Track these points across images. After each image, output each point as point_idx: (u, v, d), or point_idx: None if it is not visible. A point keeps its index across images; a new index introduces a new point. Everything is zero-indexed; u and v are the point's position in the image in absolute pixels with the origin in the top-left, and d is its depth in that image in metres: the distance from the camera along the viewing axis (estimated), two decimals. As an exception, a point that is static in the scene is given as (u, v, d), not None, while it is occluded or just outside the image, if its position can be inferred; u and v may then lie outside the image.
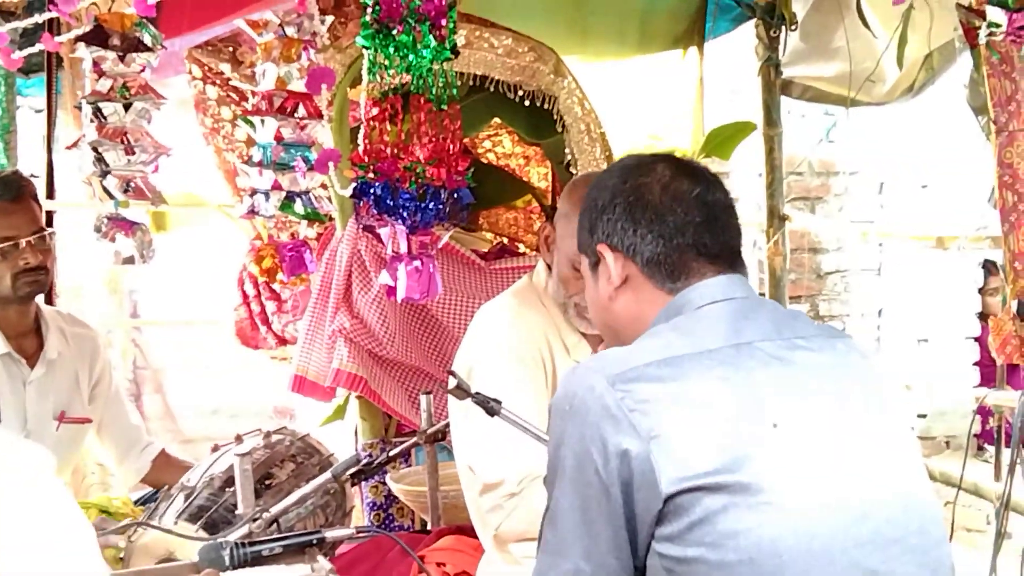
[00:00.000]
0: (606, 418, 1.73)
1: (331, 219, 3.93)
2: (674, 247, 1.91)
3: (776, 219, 4.92)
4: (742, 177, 6.01)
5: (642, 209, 1.94)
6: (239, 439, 3.14)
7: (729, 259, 1.95)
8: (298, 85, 3.20)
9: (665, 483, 1.69)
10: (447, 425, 3.11)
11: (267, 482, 2.99)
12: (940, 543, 1.85)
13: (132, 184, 3.19)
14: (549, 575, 1.81)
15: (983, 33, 2.73)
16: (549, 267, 2.97)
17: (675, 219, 1.92)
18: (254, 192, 3.29)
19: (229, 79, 4.36)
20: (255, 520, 2.58)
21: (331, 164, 3.18)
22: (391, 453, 3.24)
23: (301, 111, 3.24)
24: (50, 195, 4.36)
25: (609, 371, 1.78)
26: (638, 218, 1.93)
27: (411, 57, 2.97)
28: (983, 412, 4.87)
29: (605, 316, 2.03)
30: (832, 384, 1.86)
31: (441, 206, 3.01)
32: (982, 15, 2.72)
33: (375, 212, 3.02)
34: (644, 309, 1.94)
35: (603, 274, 1.99)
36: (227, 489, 2.85)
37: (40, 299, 3.52)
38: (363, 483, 3.93)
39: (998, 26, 2.70)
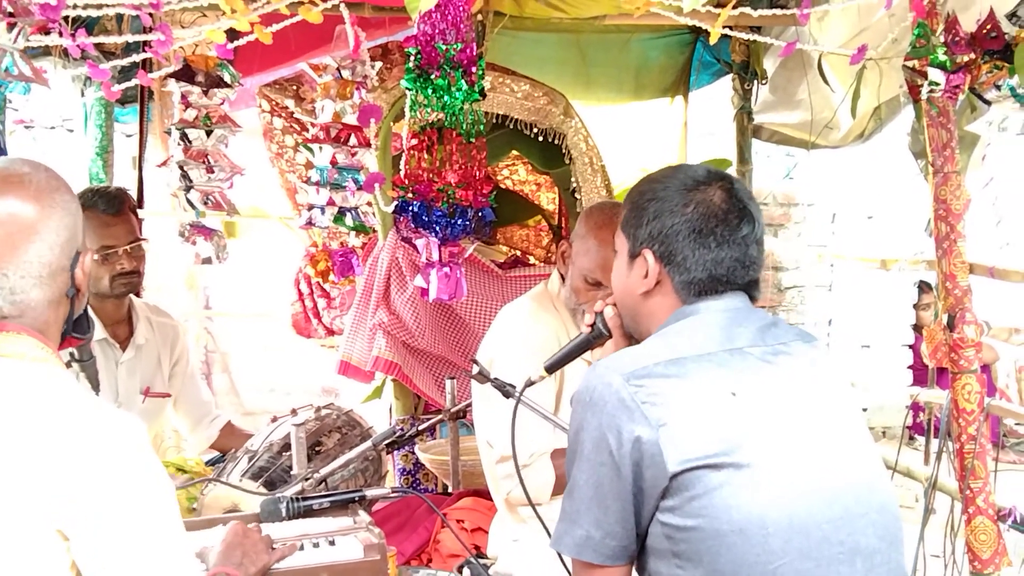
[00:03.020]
0: (622, 409, 1.73)
1: (375, 231, 3.94)
2: (710, 276, 1.87)
3: (745, 241, 4.91)
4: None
5: (695, 238, 1.86)
6: (294, 412, 3.15)
7: (746, 286, 1.92)
8: (351, 119, 3.22)
9: (671, 464, 1.70)
10: (468, 406, 3.12)
11: (317, 448, 3.00)
12: (896, 519, 1.85)
13: (211, 197, 3.21)
14: (564, 539, 1.82)
15: (925, 90, 2.74)
16: (562, 277, 2.99)
17: (720, 254, 1.86)
18: (311, 207, 3.30)
19: (293, 112, 4.37)
20: (307, 479, 2.59)
21: (377, 185, 3.20)
22: (420, 427, 3.23)
23: (353, 140, 3.25)
24: (139, 205, 4.37)
25: (624, 369, 1.77)
26: (688, 244, 1.87)
27: (446, 98, 3.00)
28: (915, 408, 4.87)
29: (628, 301, 1.98)
30: (808, 384, 1.86)
31: (468, 222, 3.03)
32: (924, 75, 2.72)
33: (412, 226, 3.04)
34: (662, 312, 1.91)
35: (638, 270, 1.93)
36: (284, 453, 2.86)
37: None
38: (395, 452, 3.94)
39: (937, 85, 2.71)
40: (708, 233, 1.86)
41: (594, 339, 2.13)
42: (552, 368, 2.24)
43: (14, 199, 1.65)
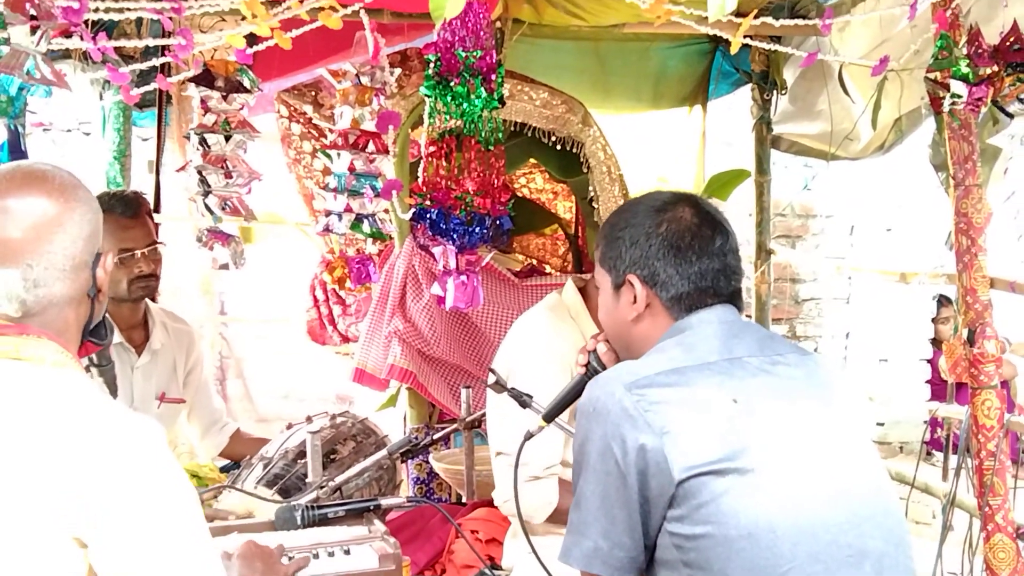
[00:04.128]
0: (625, 418, 1.76)
1: (391, 238, 3.94)
2: (696, 288, 1.93)
3: (763, 253, 4.91)
4: (736, 216, 5.99)
5: (674, 254, 1.93)
6: (309, 419, 3.16)
7: (731, 296, 1.97)
8: (369, 125, 3.22)
9: (677, 471, 1.72)
10: (483, 415, 3.12)
11: (332, 456, 3.01)
12: (901, 522, 1.88)
13: (229, 202, 3.23)
14: (573, 551, 1.83)
15: (947, 102, 2.73)
16: (580, 290, 2.98)
17: (701, 266, 1.93)
18: (328, 213, 3.31)
19: (311, 118, 4.38)
20: (322, 487, 2.61)
21: (394, 192, 3.20)
22: (434, 436, 3.25)
23: (371, 147, 3.25)
24: (156, 210, 4.40)
25: (626, 379, 1.81)
26: (670, 261, 1.93)
27: (465, 105, 3.00)
28: (933, 423, 4.85)
29: (620, 330, 2.03)
30: (808, 392, 1.90)
31: (485, 230, 3.03)
32: (946, 87, 2.72)
33: (430, 233, 3.04)
34: (655, 333, 1.95)
35: (625, 297, 1.98)
36: (299, 461, 2.87)
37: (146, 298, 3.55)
38: (409, 461, 3.94)
39: (960, 97, 2.71)
40: (686, 248, 1.93)
41: (590, 378, 2.15)
42: (550, 416, 2.26)
43: (39, 192, 1.69)
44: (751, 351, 1.89)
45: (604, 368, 2.13)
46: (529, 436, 2.26)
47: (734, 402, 1.79)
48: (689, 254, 1.93)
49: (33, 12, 2.06)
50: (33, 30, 2.09)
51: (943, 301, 6.67)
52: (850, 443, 1.87)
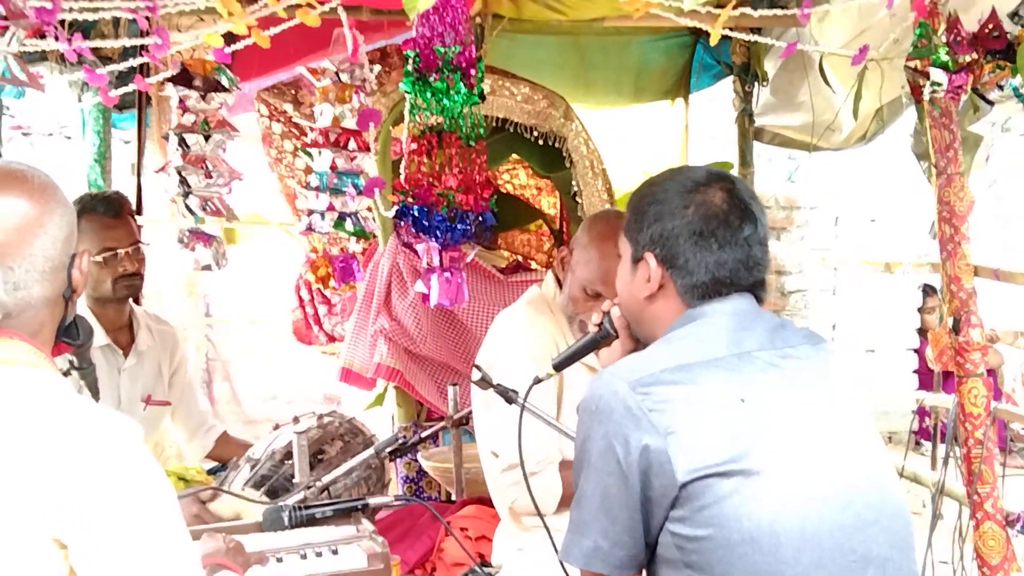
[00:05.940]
0: (628, 417, 1.72)
1: (375, 236, 3.92)
2: (713, 278, 1.84)
3: (748, 245, 4.90)
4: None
5: (696, 240, 1.84)
6: (296, 420, 3.14)
7: (752, 287, 1.89)
8: (350, 123, 3.21)
9: (681, 473, 1.68)
10: (470, 412, 3.11)
11: (320, 456, 2.99)
12: (907, 524, 1.83)
13: (210, 203, 3.21)
14: (572, 550, 1.81)
15: (927, 91, 2.73)
16: (559, 281, 2.97)
17: (722, 255, 1.84)
18: (311, 212, 3.29)
19: (291, 117, 4.36)
20: (310, 488, 2.59)
21: (376, 190, 3.19)
22: (422, 435, 3.23)
23: (352, 145, 3.24)
24: (138, 211, 4.37)
25: (630, 377, 1.76)
26: (690, 246, 1.84)
27: (445, 101, 2.99)
28: (921, 412, 4.86)
29: (632, 305, 1.96)
30: (817, 389, 1.84)
31: (468, 227, 3.02)
32: (926, 75, 2.71)
33: (413, 231, 3.03)
34: (667, 316, 1.89)
35: (642, 273, 1.90)
36: (286, 462, 2.85)
37: (130, 300, 3.53)
38: (398, 459, 3.92)
39: (940, 85, 2.70)
40: (709, 235, 1.84)
41: (601, 339, 2.11)
42: (560, 366, 2.22)
43: (20, 193, 1.66)
44: (761, 344, 1.83)
45: (615, 332, 2.07)
46: (538, 381, 2.21)
47: (741, 401, 1.74)
48: (711, 242, 1.83)
49: (3, 12, 2.04)
50: (3, 31, 2.07)
51: (928, 290, 6.69)
52: (858, 442, 1.83)
